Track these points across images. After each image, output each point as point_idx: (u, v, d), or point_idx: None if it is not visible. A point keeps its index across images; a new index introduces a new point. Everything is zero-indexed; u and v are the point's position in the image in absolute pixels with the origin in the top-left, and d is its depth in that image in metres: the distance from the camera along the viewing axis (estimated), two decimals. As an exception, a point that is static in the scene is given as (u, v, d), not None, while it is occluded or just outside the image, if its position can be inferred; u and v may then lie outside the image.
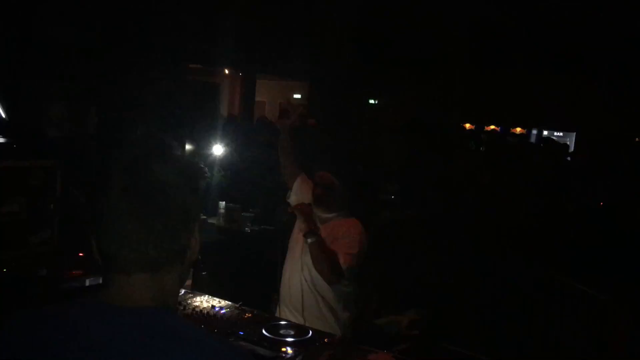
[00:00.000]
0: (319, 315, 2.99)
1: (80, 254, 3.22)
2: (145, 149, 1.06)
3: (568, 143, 11.54)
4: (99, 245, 1.03)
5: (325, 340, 2.47)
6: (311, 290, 2.98)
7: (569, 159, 8.59)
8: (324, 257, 2.86)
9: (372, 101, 14.38)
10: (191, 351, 0.95)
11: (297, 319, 2.92)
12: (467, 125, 13.37)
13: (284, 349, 2.34)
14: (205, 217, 4.91)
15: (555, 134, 13.91)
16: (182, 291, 2.84)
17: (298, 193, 3.24)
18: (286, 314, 3.04)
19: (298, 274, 3.01)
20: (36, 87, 5.61)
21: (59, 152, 3.61)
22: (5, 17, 6.08)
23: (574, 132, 13.31)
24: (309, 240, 2.84)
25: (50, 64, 6.20)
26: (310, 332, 2.50)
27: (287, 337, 2.42)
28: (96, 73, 6.76)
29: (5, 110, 3.99)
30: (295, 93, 14.80)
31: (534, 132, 14.02)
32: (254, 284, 3.70)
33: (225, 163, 5.71)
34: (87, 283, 2.84)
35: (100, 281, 2.86)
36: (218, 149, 5.81)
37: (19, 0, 6.29)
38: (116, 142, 1.17)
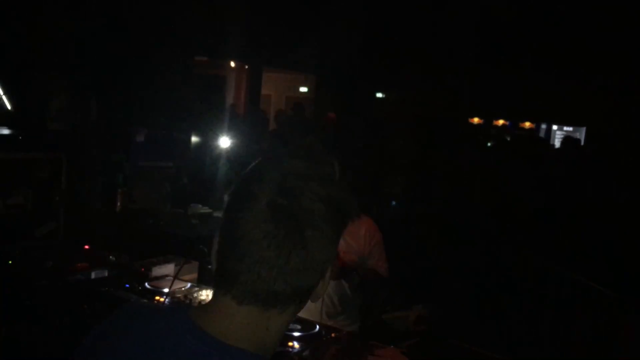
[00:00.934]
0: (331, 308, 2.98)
1: (86, 247, 3.22)
2: (306, 169, 0.92)
3: (579, 137, 11.47)
4: (222, 262, 0.91)
5: (333, 335, 2.45)
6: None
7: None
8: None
9: (379, 95, 14.33)
10: None
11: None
12: (476, 120, 13.29)
13: (290, 344, 2.32)
14: (211, 210, 4.89)
15: (565, 128, 13.81)
16: (188, 284, 2.83)
17: None
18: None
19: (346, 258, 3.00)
20: (42, 80, 5.60)
21: (65, 144, 3.61)
22: (10, 9, 6.06)
23: (584, 126, 13.20)
24: (355, 282, 2.87)
25: (56, 57, 6.19)
26: (317, 326, 2.48)
27: (294, 332, 2.40)
28: (101, 66, 6.75)
29: (11, 102, 3.99)
30: (302, 86, 14.76)
31: (543, 126, 13.92)
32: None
33: (233, 156, 5.69)
34: (93, 276, 2.83)
35: (106, 274, 2.85)
36: (224, 141, 5.80)
37: None
38: (273, 155, 0.99)
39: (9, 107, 4.03)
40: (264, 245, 0.86)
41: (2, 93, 4.04)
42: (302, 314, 2.81)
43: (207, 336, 0.88)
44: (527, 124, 13.17)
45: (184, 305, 2.39)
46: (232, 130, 6.18)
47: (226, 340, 0.89)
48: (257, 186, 0.90)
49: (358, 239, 2.99)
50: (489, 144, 10.58)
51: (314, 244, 0.88)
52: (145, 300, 2.60)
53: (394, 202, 5.58)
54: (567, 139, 7.75)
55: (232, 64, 12.63)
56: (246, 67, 12.86)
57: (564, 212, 5.02)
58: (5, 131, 3.58)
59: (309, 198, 0.88)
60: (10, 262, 2.94)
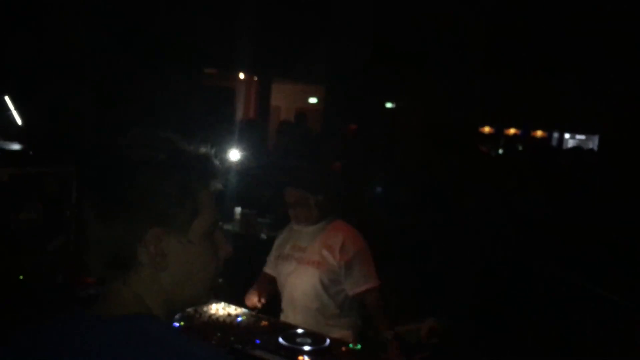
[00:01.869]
0: (327, 320, 2.92)
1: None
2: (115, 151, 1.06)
3: (592, 146, 11.37)
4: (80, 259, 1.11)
5: (343, 349, 2.43)
6: (326, 292, 2.90)
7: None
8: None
9: (389, 105, 14.32)
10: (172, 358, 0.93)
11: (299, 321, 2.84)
12: (487, 129, 13.23)
13: (300, 358, 2.30)
14: (221, 223, 4.87)
15: (577, 136, 13.72)
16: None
17: None
18: (288, 317, 2.97)
19: (309, 279, 2.91)
20: (52, 95, 5.65)
21: (75, 159, 3.61)
22: (21, 26, 6.13)
23: (597, 134, 13.09)
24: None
25: (66, 71, 6.24)
26: (328, 340, 2.46)
27: (304, 346, 2.38)
28: (110, 79, 6.80)
29: (22, 118, 4.01)
30: (311, 97, 14.78)
31: (556, 135, 13.83)
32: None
33: (241, 168, 5.69)
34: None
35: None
36: (234, 154, 5.80)
37: (34, 6, 6.35)
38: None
39: (19, 122, 4.06)
40: (90, 225, 1.04)
41: (12, 108, 4.07)
42: (301, 318, 2.78)
43: (97, 317, 1.00)
44: (539, 133, 13.09)
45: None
46: (242, 140, 6.19)
47: (109, 312, 1.01)
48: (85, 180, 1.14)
49: (335, 249, 2.87)
50: (500, 152, 10.53)
51: (106, 225, 1.02)
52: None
53: (403, 212, 5.54)
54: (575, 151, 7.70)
55: (242, 75, 12.69)
56: (255, 79, 12.91)
57: (577, 222, 4.96)
58: (16, 146, 3.60)
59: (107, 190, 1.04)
60: (21, 277, 2.94)
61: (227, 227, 4.91)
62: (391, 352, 2.73)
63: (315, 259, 2.89)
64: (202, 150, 1.12)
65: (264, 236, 4.90)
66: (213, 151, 1.13)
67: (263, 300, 2.99)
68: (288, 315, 2.95)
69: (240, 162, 5.64)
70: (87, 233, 1.03)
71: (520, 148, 10.20)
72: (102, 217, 1.01)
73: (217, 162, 1.12)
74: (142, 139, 1.07)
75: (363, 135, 8.54)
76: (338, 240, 2.89)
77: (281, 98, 14.05)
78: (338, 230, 2.92)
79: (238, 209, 4.91)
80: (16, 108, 4.02)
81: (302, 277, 2.91)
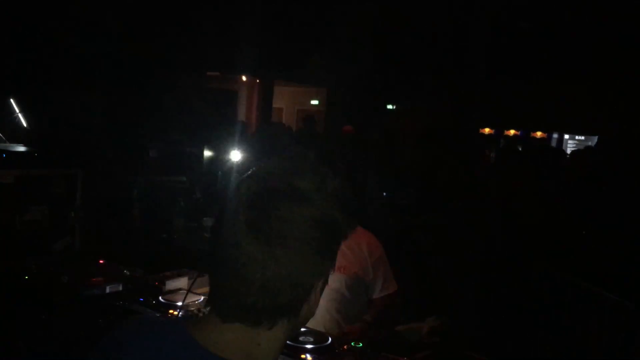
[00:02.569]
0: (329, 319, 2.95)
1: (101, 261, 3.25)
2: (275, 185, 0.93)
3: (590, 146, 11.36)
4: (210, 279, 0.95)
5: (345, 347, 2.45)
6: (350, 296, 2.95)
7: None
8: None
9: (390, 107, 14.34)
10: None
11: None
12: (487, 130, 13.23)
13: (303, 356, 2.32)
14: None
15: (577, 137, 13.72)
16: (202, 298, 2.84)
17: None
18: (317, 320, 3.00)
19: (334, 284, 2.95)
20: (57, 97, 5.68)
21: (80, 161, 3.66)
22: (25, 29, 6.17)
23: (595, 135, 13.09)
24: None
25: (70, 74, 6.28)
26: (330, 339, 2.48)
27: (307, 344, 2.40)
28: (115, 82, 6.84)
29: (27, 120, 4.05)
30: (313, 99, 14.81)
31: (555, 135, 13.83)
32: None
33: (244, 170, 5.71)
34: (108, 290, 2.86)
35: (121, 288, 2.88)
36: (236, 156, 5.84)
37: (38, 9, 6.39)
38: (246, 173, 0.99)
39: (24, 124, 4.10)
40: (241, 263, 0.88)
41: (18, 111, 4.12)
42: (321, 321, 2.81)
43: (200, 348, 0.92)
44: (539, 134, 13.09)
45: (182, 318, 2.42)
46: (245, 144, 6.23)
47: (218, 352, 0.92)
48: (233, 204, 0.92)
49: (360, 254, 2.93)
50: (499, 153, 10.52)
51: (285, 260, 0.88)
52: (151, 313, 2.62)
53: (405, 213, 5.56)
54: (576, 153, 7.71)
55: (244, 78, 12.72)
56: (258, 81, 12.95)
57: (578, 222, 4.98)
58: (22, 148, 3.64)
59: (278, 216, 0.89)
60: (27, 277, 2.97)
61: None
62: (357, 327, 2.82)
63: (341, 264, 2.94)
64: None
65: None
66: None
67: None
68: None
69: (244, 163, 5.67)
70: (244, 267, 0.89)
71: (519, 149, 10.20)
72: (273, 254, 0.88)
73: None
74: (300, 165, 0.97)
75: (365, 137, 8.57)
76: (362, 245, 2.95)
77: (283, 100, 14.09)
78: (360, 235, 2.97)
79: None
80: (22, 110, 4.06)
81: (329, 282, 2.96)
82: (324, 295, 3.19)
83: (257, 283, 0.88)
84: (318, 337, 2.48)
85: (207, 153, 5.94)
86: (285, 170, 0.95)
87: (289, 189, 0.92)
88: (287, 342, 2.43)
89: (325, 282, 0.98)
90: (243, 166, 5.66)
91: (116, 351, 0.99)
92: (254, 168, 0.99)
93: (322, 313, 2.95)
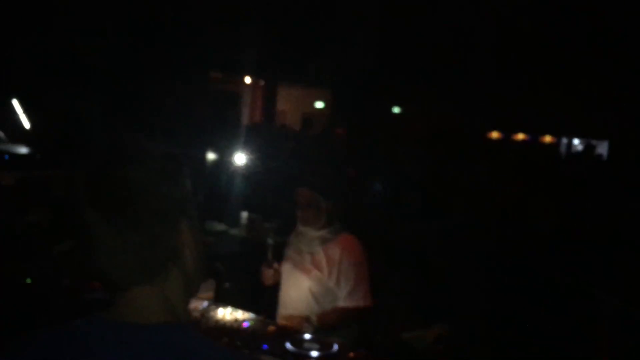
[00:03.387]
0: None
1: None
2: (106, 153, 1.00)
3: (601, 151, 11.32)
4: (84, 264, 0.97)
5: (351, 354, 2.41)
6: (316, 302, 2.86)
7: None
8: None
9: (395, 109, 14.30)
10: None
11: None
12: (495, 134, 13.18)
13: (308, 364, 2.28)
14: (227, 227, 4.88)
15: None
16: (205, 303, 2.80)
17: None
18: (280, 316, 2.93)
19: (300, 285, 2.88)
20: (59, 99, 5.66)
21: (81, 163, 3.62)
22: (29, 31, 6.16)
23: (606, 139, 13.02)
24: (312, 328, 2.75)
25: (72, 76, 6.27)
26: (336, 346, 2.44)
27: (312, 351, 2.36)
28: (117, 83, 6.82)
29: (30, 121, 4.02)
30: (317, 101, 14.79)
31: (564, 140, 13.76)
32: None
33: (247, 172, 5.68)
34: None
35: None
36: (240, 158, 5.80)
37: (42, 10, 6.38)
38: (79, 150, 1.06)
39: (27, 126, 4.07)
40: (99, 236, 0.94)
41: (20, 112, 4.09)
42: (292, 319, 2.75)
43: (127, 324, 0.94)
44: (548, 138, 13.03)
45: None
46: (249, 145, 6.20)
47: (140, 320, 0.95)
48: (75, 187, 0.99)
49: (332, 259, 2.81)
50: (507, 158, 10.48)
51: (142, 214, 0.94)
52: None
53: (410, 219, 5.52)
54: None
55: (248, 80, 12.71)
56: (261, 83, 12.94)
57: (587, 228, 4.94)
58: (24, 150, 3.61)
59: (120, 179, 0.95)
60: (28, 280, 2.94)
61: (234, 231, 4.90)
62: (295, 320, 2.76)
63: (308, 267, 2.86)
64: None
65: (270, 240, 4.87)
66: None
67: (277, 277, 2.97)
68: (280, 314, 2.94)
69: (246, 166, 5.64)
70: (103, 239, 0.94)
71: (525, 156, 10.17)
72: (122, 218, 0.94)
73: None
74: (129, 142, 1.03)
75: (369, 140, 8.54)
76: (337, 249, 2.84)
77: (287, 102, 14.08)
78: (340, 239, 2.88)
79: (244, 214, 4.89)
80: (24, 112, 4.03)
81: (294, 282, 2.90)
82: (290, 294, 3.11)
83: (124, 249, 0.94)
84: (324, 344, 2.44)
85: (210, 155, 5.91)
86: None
87: (119, 153, 0.99)
88: (293, 349, 2.39)
89: (193, 224, 1.01)
90: (247, 168, 5.64)
91: None
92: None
93: (291, 310, 2.89)
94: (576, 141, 13.81)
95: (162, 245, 0.96)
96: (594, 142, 13.41)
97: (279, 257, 3.06)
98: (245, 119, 11.72)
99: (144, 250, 0.94)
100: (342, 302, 2.80)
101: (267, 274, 2.98)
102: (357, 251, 2.86)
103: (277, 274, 2.98)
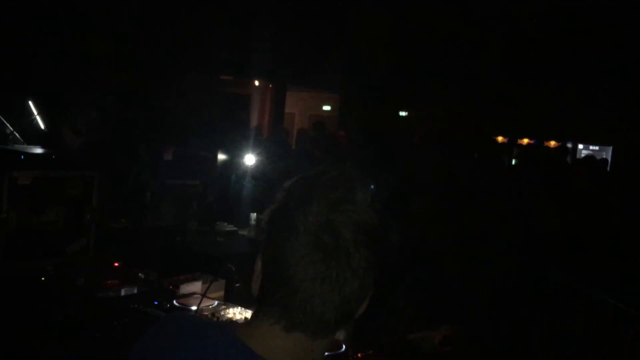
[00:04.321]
0: None
1: (116, 264, 3.28)
2: (343, 199, 0.94)
3: (605, 156, 11.29)
4: (270, 292, 0.94)
5: (359, 354, 2.45)
6: None
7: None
8: None
9: (402, 113, 14.32)
10: None
11: None
12: (500, 138, 13.17)
13: (317, 363, 2.32)
14: (236, 228, 4.93)
15: (591, 147, 13.62)
16: (215, 302, 2.85)
17: None
18: None
19: None
20: (73, 99, 5.73)
21: (95, 163, 3.69)
22: (43, 30, 6.24)
23: (610, 145, 13.00)
24: None
25: (85, 77, 6.34)
26: (344, 346, 2.48)
27: (321, 351, 2.40)
28: (129, 85, 6.89)
29: (44, 122, 4.09)
30: (325, 105, 14.83)
31: (569, 145, 13.74)
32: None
33: (257, 173, 5.74)
34: (123, 293, 2.88)
35: (135, 291, 2.90)
36: (250, 159, 5.85)
37: (58, 11, 6.46)
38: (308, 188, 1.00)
39: (42, 126, 4.14)
40: (317, 283, 0.89)
41: (36, 113, 4.16)
42: None
43: (256, 356, 0.92)
44: (553, 143, 13.02)
45: (230, 322, 2.42)
46: (257, 148, 6.25)
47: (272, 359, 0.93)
48: (298, 218, 0.92)
49: None
50: (513, 162, 10.49)
51: (362, 272, 0.91)
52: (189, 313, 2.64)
53: (418, 221, 5.53)
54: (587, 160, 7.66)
55: (257, 82, 12.77)
56: (270, 86, 12.99)
57: (592, 231, 4.95)
58: (39, 150, 3.67)
59: (352, 230, 0.91)
60: (42, 278, 3.00)
61: (243, 232, 4.95)
62: None
63: None
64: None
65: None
66: None
67: None
68: None
69: (256, 167, 5.69)
70: (319, 284, 0.90)
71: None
72: (347, 270, 0.90)
73: None
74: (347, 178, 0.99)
75: (377, 143, 8.56)
76: None
77: (295, 105, 14.12)
78: None
79: (253, 215, 4.95)
80: (39, 113, 4.10)
81: None
82: None
83: (335, 301, 0.90)
84: (332, 344, 2.48)
85: (221, 157, 5.96)
86: (338, 184, 0.96)
87: (350, 204, 0.94)
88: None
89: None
90: (257, 170, 5.69)
91: (163, 349, 0.98)
92: (295, 178, 1.02)
93: None
94: (580, 146, 13.78)
95: (355, 308, 0.94)
96: (597, 148, 13.38)
97: None
98: (254, 121, 11.78)
99: (343, 308, 0.92)
100: None
101: None
102: None
103: None
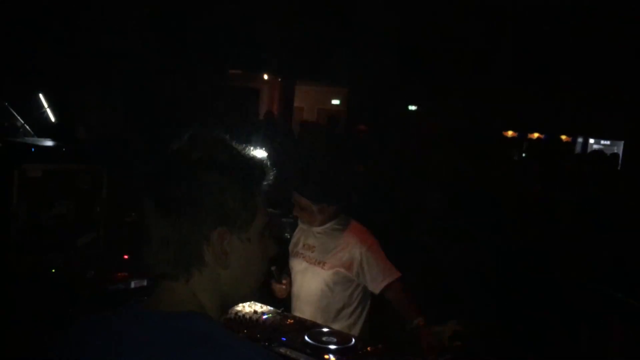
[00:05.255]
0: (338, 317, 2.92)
1: (125, 257, 3.29)
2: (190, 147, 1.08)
3: (616, 151, 11.22)
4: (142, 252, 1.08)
5: (369, 348, 2.45)
6: (332, 293, 2.90)
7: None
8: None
9: (411, 107, 14.27)
10: (221, 356, 0.95)
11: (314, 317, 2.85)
12: (510, 133, 13.09)
13: (326, 357, 2.32)
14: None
15: (602, 142, 13.53)
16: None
17: None
18: (295, 310, 2.97)
19: (315, 279, 2.92)
20: (83, 93, 5.75)
21: (105, 156, 3.70)
22: (53, 24, 6.26)
23: (621, 140, 12.90)
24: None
25: (96, 71, 6.35)
26: (353, 340, 2.48)
27: (330, 345, 2.40)
28: (139, 79, 6.90)
29: (55, 115, 4.11)
30: (334, 99, 14.81)
31: (580, 140, 13.65)
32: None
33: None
34: (133, 285, 2.89)
35: (145, 284, 2.91)
36: (258, 153, 5.84)
37: (68, 6, 6.48)
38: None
39: (53, 119, 4.15)
40: (151, 225, 1.05)
41: (46, 106, 4.18)
42: (309, 313, 2.78)
43: (153, 313, 1.04)
44: (563, 138, 12.94)
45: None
46: (267, 139, 6.25)
47: (168, 309, 1.04)
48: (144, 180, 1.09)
49: (345, 250, 2.86)
50: (523, 156, 10.43)
51: (168, 222, 1.03)
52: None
53: (430, 218, 5.52)
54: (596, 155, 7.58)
55: (266, 76, 12.77)
56: (279, 79, 12.99)
57: (602, 228, 4.92)
58: (49, 143, 3.68)
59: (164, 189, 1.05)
60: (53, 271, 3.02)
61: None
62: (423, 340, 2.73)
63: (322, 260, 2.91)
64: (258, 154, 1.16)
65: (287, 235, 4.91)
66: (265, 156, 1.16)
67: (289, 288, 3.02)
68: (296, 308, 2.98)
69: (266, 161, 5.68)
70: (150, 232, 1.05)
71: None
72: (167, 215, 1.03)
73: (269, 166, 1.15)
74: (200, 140, 1.10)
75: (385, 138, 8.54)
76: (350, 239, 2.89)
77: (304, 99, 14.11)
78: (346, 232, 2.92)
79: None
80: (50, 106, 4.11)
81: (310, 277, 2.94)
82: (306, 288, 3.15)
83: (154, 241, 1.04)
84: (341, 338, 2.48)
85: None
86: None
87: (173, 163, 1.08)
88: (311, 342, 2.43)
89: (227, 234, 1.06)
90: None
91: (72, 351, 1.05)
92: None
93: (308, 304, 2.93)
94: (591, 140, 13.69)
95: (188, 248, 1.05)
96: (609, 142, 13.27)
97: (284, 262, 3.11)
98: (263, 115, 11.78)
99: (178, 248, 1.04)
100: (375, 285, 2.85)
101: (279, 290, 3.04)
102: (366, 235, 2.92)
103: (289, 285, 3.03)
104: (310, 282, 2.94)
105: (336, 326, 2.78)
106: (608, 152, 9.02)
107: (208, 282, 1.07)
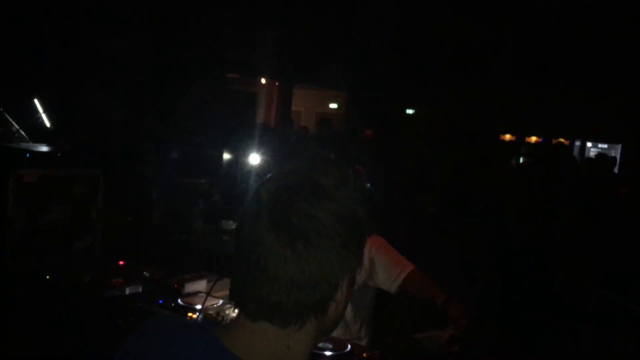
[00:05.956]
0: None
1: (121, 262, 3.27)
2: (296, 182, 0.92)
3: (614, 155, 11.22)
4: (236, 281, 0.93)
5: (364, 355, 2.44)
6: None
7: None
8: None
9: (409, 111, 14.28)
10: None
11: None
12: (507, 136, 13.10)
13: (322, 363, 2.31)
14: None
15: (600, 145, 13.55)
16: (220, 301, 2.84)
17: None
18: None
19: None
20: (79, 98, 5.75)
21: (101, 161, 3.69)
22: (49, 28, 6.26)
23: (619, 143, 12.92)
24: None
25: (92, 76, 6.35)
26: (349, 346, 2.47)
27: (325, 351, 2.39)
28: (136, 84, 6.90)
29: (51, 120, 4.10)
30: (332, 102, 14.82)
31: (577, 143, 13.67)
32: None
33: (263, 173, 5.72)
34: (128, 291, 2.87)
35: (140, 290, 2.89)
36: (255, 159, 5.84)
37: (64, 10, 6.47)
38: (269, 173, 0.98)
39: (48, 125, 4.15)
40: (262, 261, 0.88)
41: (42, 111, 4.17)
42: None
43: (228, 353, 0.91)
44: (562, 141, 12.96)
45: (210, 322, 2.41)
46: (263, 146, 6.24)
47: (246, 357, 0.90)
48: (254, 203, 0.92)
49: None
50: (521, 160, 10.44)
51: (309, 256, 0.87)
52: (171, 314, 2.63)
53: (427, 219, 5.52)
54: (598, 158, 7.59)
55: (263, 80, 12.77)
56: (277, 83, 12.99)
57: (602, 231, 4.92)
58: (45, 148, 3.68)
59: (300, 212, 0.88)
60: (48, 276, 3.00)
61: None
62: (452, 312, 2.74)
63: None
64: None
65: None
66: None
67: None
68: None
69: (262, 165, 5.68)
70: (267, 265, 0.87)
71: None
72: (296, 250, 0.87)
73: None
74: (329, 165, 0.96)
75: (383, 142, 8.54)
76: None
77: (302, 103, 14.12)
78: None
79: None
80: (45, 111, 4.11)
81: None
82: None
83: (281, 280, 0.87)
84: (337, 344, 2.47)
85: (227, 155, 5.96)
86: (305, 169, 0.95)
87: (310, 185, 0.91)
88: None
89: (353, 281, 0.95)
90: (263, 168, 5.68)
91: (142, 354, 0.97)
92: (275, 171, 0.99)
93: None
94: (589, 144, 13.71)
95: (318, 293, 0.89)
96: (606, 145, 13.27)
97: None
98: (260, 119, 11.78)
99: (301, 292, 0.88)
100: (393, 283, 2.84)
101: None
102: (374, 236, 2.92)
103: None
104: None
105: (347, 333, 2.78)
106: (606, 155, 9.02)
107: (312, 333, 0.93)
